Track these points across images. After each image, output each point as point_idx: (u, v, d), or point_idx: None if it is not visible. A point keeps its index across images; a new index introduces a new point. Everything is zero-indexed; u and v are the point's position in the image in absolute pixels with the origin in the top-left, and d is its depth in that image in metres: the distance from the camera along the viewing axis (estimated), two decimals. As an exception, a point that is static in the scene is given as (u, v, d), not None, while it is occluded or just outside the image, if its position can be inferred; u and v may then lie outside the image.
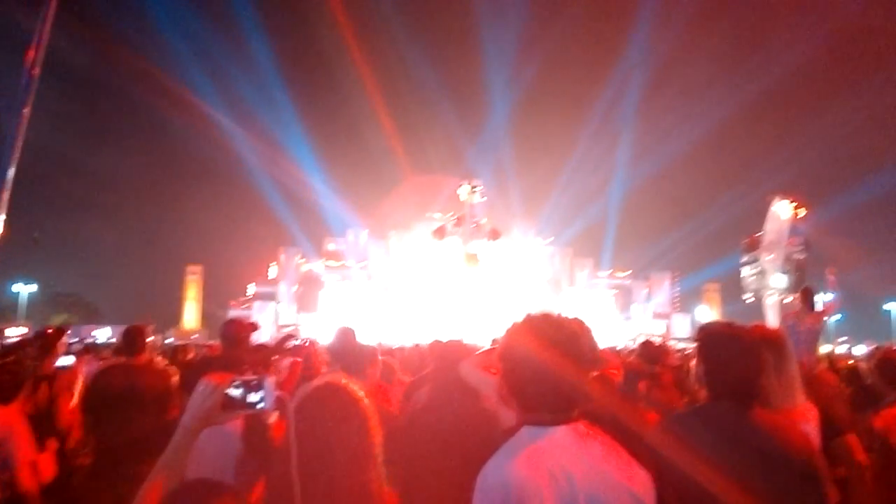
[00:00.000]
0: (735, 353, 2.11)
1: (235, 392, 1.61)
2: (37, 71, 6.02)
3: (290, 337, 4.60)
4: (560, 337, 1.69)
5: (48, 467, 3.57)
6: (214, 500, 1.31)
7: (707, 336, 2.26)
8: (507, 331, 1.79)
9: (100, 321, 46.06)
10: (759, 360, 2.13)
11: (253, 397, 1.61)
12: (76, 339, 21.27)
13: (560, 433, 1.65)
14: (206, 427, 1.64)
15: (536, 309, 1.79)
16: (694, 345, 2.31)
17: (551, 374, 1.65)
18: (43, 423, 3.88)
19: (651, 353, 5.61)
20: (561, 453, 1.61)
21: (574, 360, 1.66)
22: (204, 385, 1.63)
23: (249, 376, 1.65)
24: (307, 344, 5.01)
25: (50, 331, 5.11)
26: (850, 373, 6.00)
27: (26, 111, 5.90)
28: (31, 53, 5.94)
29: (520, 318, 1.78)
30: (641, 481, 1.64)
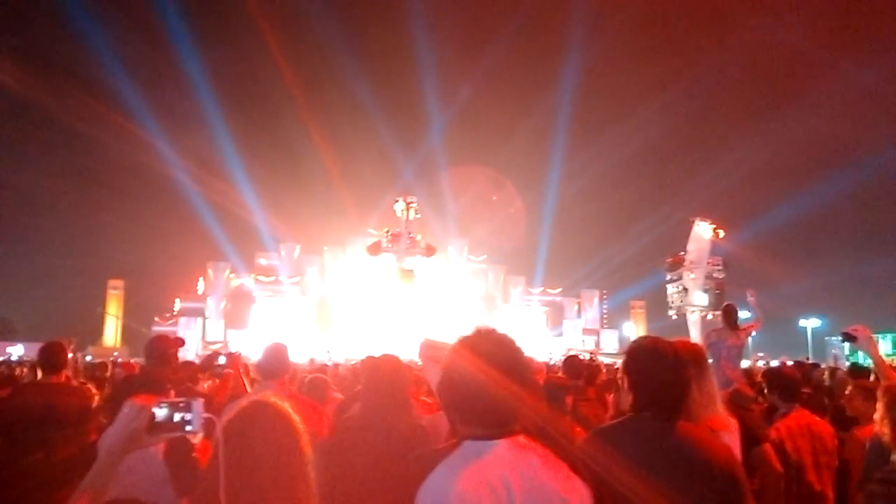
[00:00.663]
0: (659, 367, 2.19)
1: (162, 414, 1.57)
2: None
3: (215, 355, 4.48)
4: (500, 353, 1.72)
5: None
6: None
7: (632, 350, 2.35)
8: (450, 349, 1.80)
9: (13, 337, 43.34)
10: (683, 373, 2.21)
11: (180, 420, 1.57)
12: (-15, 357, 20.00)
13: (500, 447, 1.67)
14: (132, 450, 1.59)
15: (475, 325, 1.82)
16: (621, 360, 2.40)
17: (491, 391, 1.67)
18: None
19: (575, 367, 5.69)
20: (500, 466, 1.63)
21: (514, 376, 1.69)
22: (129, 406, 1.57)
23: (177, 398, 1.61)
24: (235, 357, 4.90)
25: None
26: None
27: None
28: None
29: (460, 335, 1.81)
30: (580, 493, 1.67)
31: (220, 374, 4.74)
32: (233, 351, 5.60)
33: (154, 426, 1.55)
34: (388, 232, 39.34)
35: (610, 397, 5.31)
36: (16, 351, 30.92)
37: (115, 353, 33.22)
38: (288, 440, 2.01)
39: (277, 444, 1.99)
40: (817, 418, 4.03)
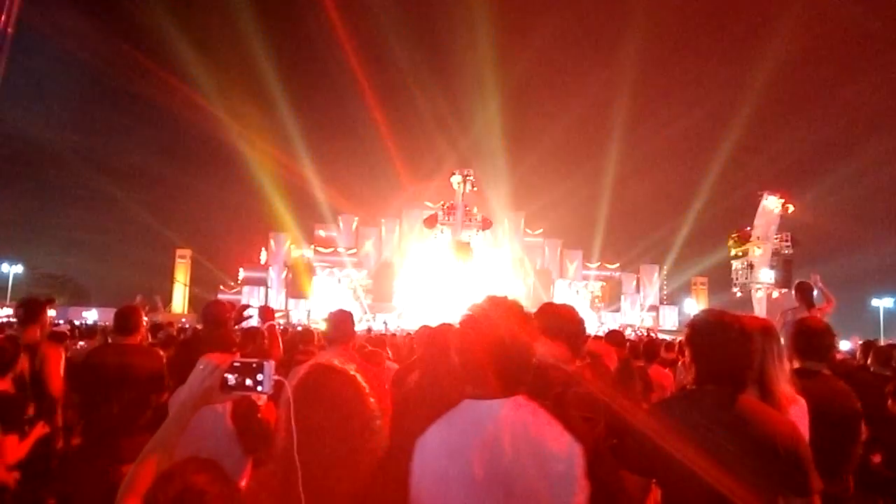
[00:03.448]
0: (723, 339, 2.14)
1: (235, 374, 1.62)
2: (10, 31, 5.94)
3: (245, 308, 4.53)
4: (506, 321, 1.78)
5: (15, 450, 3.56)
6: (202, 476, 1.33)
7: (696, 321, 2.30)
8: (464, 314, 1.88)
9: (87, 303, 45.75)
10: (748, 346, 2.16)
11: (252, 380, 1.61)
12: (62, 321, 21.16)
13: (496, 405, 1.75)
14: (205, 405, 1.65)
15: (492, 292, 1.91)
16: (684, 332, 2.35)
17: (494, 356, 1.75)
18: (18, 402, 3.84)
19: (617, 340, 5.73)
20: (494, 423, 1.71)
21: (517, 342, 1.77)
22: (204, 364, 1.63)
23: (250, 358, 1.65)
24: (268, 310, 4.96)
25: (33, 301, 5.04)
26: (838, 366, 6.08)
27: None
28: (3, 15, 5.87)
29: (478, 301, 1.89)
30: (571, 450, 1.70)
31: (253, 335, 4.82)
32: (266, 305, 5.72)
33: (226, 385, 1.59)
34: (444, 205, 39.40)
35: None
36: (90, 316, 32.62)
37: (183, 320, 34.64)
38: (355, 404, 2.05)
39: (345, 408, 2.03)
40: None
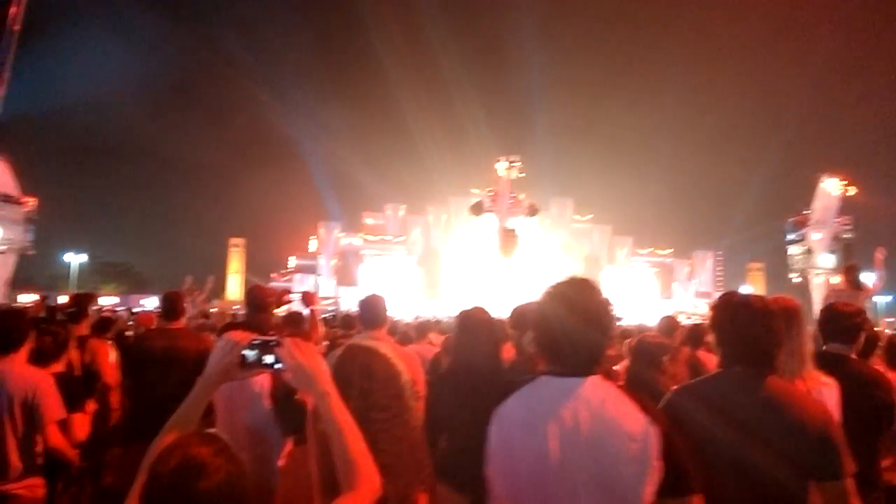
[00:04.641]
0: (748, 319, 2.11)
1: (253, 350, 1.65)
2: (18, 27, 6.16)
3: (286, 293, 4.62)
4: (585, 301, 1.80)
5: (82, 427, 3.72)
6: (204, 449, 1.29)
7: (720, 303, 2.28)
8: (549, 287, 1.91)
9: (148, 290, 47.44)
10: (773, 325, 2.12)
11: (270, 357, 1.65)
12: (124, 308, 21.99)
13: (573, 383, 1.76)
14: (224, 382, 1.69)
15: (569, 274, 1.94)
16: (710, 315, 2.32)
17: (573, 335, 1.77)
18: (77, 383, 4.03)
19: (670, 327, 5.69)
20: (571, 400, 1.73)
21: (596, 323, 1.79)
22: (224, 341, 1.68)
23: (268, 336, 1.68)
24: (312, 296, 5.06)
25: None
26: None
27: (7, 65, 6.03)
28: (14, 9, 6.09)
29: (557, 281, 1.92)
30: (650, 432, 1.69)
31: (296, 320, 4.91)
32: (308, 290, 5.84)
33: (245, 362, 1.63)
34: (490, 191, 39.20)
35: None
36: (150, 303, 33.78)
37: (237, 307, 35.51)
38: (387, 378, 2.08)
39: (377, 382, 2.06)
40: None
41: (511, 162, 37.85)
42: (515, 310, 3.51)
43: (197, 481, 1.25)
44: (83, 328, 4.85)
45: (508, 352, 4.46)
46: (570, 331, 1.78)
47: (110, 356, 4.84)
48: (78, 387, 3.95)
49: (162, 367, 4.13)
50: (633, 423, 1.69)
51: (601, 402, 1.72)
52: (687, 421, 2.05)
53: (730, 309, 2.19)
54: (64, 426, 3.42)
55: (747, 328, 2.11)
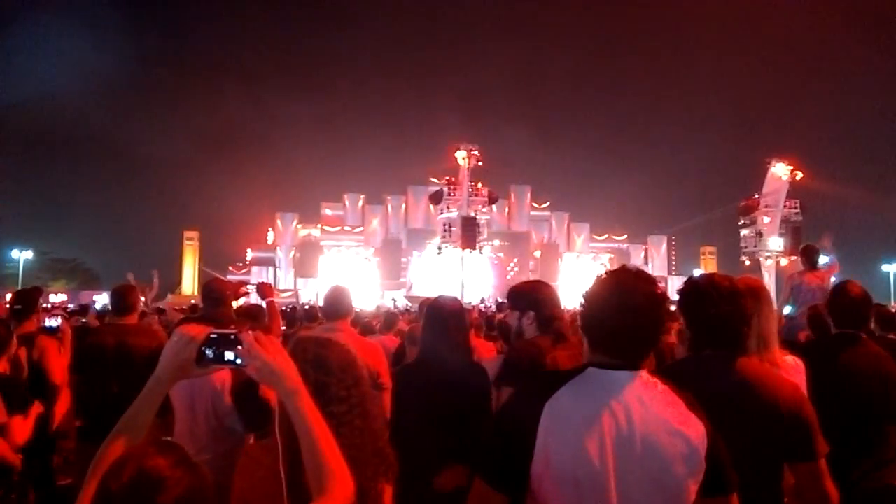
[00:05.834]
0: (715, 299, 2.10)
1: (211, 346, 1.53)
2: None
3: (241, 286, 4.50)
4: (644, 291, 1.74)
5: (22, 431, 3.54)
6: (161, 460, 1.20)
7: (687, 286, 2.27)
8: (596, 277, 1.86)
9: (99, 287, 46.00)
10: (741, 304, 2.12)
11: (230, 353, 1.53)
12: (73, 305, 21.26)
13: (624, 377, 1.71)
14: (178, 381, 1.58)
15: (623, 263, 1.89)
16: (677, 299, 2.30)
17: (628, 322, 1.71)
18: (19, 384, 3.84)
19: None
20: (623, 395, 1.67)
21: (650, 315, 1.73)
22: (178, 336, 1.54)
23: (226, 330, 1.56)
24: (267, 287, 4.94)
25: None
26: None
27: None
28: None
29: (610, 269, 1.90)
30: (698, 431, 1.68)
31: (254, 313, 4.79)
32: (263, 282, 5.70)
33: (203, 358, 1.51)
34: (449, 180, 39.14)
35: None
36: (101, 299, 32.80)
37: (193, 301, 34.75)
38: (347, 374, 2.00)
39: (337, 381, 1.98)
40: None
41: (469, 151, 37.82)
42: (513, 289, 3.43)
43: (154, 496, 1.15)
44: (31, 325, 4.62)
45: (474, 341, 4.41)
46: (623, 322, 1.71)
47: (60, 353, 4.63)
48: (20, 388, 3.75)
49: (113, 366, 3.96)
50: (683, 421, 1.67)
51: (652, 398, 1.69)
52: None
53: (697, 291, 2.18)
54: (3, 430, 3.24)
55: (715, 307, 2.10)
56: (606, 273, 1.85)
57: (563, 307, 3.52)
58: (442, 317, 3.41)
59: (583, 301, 1.83)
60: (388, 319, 7.14)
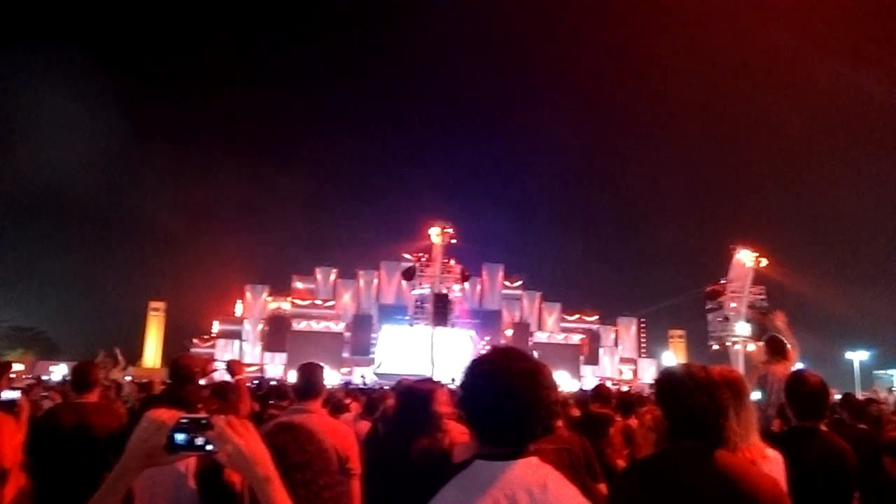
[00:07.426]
0: (693, 390, 2.09)
1: (181, 431, 1.47)
2: None
3: (210, 362, 4.40)
4: (519, 371, 1.68)
5: None
6: None
7: (664, 376, 2.27)
8: (470, 362, 1.78)
9: (58, 357, 44.39)
10: (718, 395, 2.11)
11: (201, 438, 1.48)
12: (30, 376, 20.45)
13: (511, 467, 1.64)
14: (147, 468, 1.51)
15: (494, 344, 1.83)
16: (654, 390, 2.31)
17: (506, 407, 1.64)
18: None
19: (604, 396, 5.73)
20: (509, 486, 1.60)
21: (530, 395, 1.66)
22: (148, 421, 1.48)
23: (198, 414, 1.51)
24: (238, 364, 4.83)
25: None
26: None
27: None
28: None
29: (483, 351, 1.83)
30: None
31: (223, 391, 4.66)
32: (233, 359, 5.58)
33: (174, 444, 1.45)
34: (422, 257, 39.39)
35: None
36: (59, 370, 31.63)
37: (155, 375, 33.66)
38: (319, 462, 1.95)
39: (309, 467, 1.92)
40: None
41: (443, 228, 38.30)
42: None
43: None
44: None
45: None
46: (503, 409, 1.64)
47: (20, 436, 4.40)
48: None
49: (71, 447, 3.78)
50: None
51: (542, 486, 1.61)
52: (640, 502, 2.01)
53: (674, 381, 2.18)
54: None
55: (693, 398, 2.09)
56: (479, 357, 1.79)
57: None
58: (412, 403, 3.36)
59: (459, 391, 1.77)
60: (371, 405, 6.69)
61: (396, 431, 3.35)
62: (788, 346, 7.25)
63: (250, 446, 1.46)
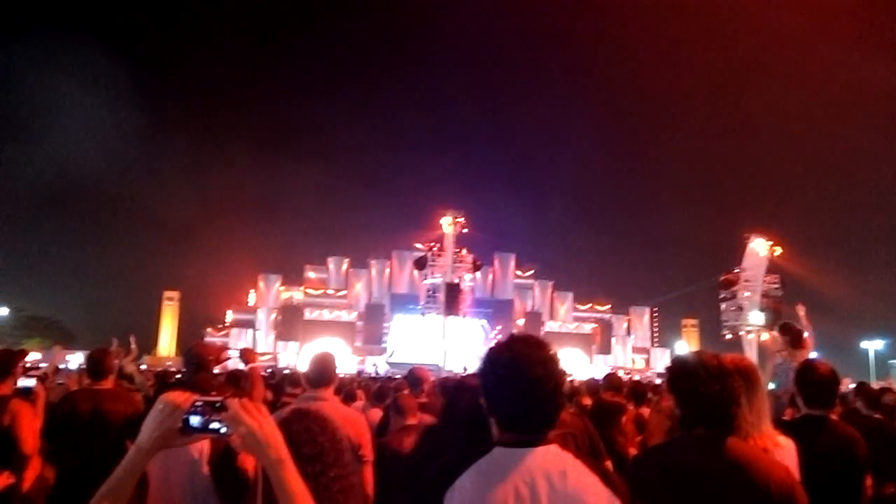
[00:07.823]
0: (705, 377, 2.09)
1: (196, 414, 1.49)
2: None
3: (224, 350, 4.41)
4: (538, 359, 1.69)
5: None
6: None
7: (676, 364, 2.26)
8: (489, 350, 1.80)
9: (74, 346, 44.92)
10: (730, 383, 2.11)
11: (216, 421, 1.49)
12: (47, 364, 20.68)
13: (530, 454, 1.65)
14: (162, 450, 1.53)
15: (511, 332, 1.82)
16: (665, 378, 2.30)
17: (527, 395, 1.65)
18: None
19: (616, 384, 5.71)
20: (529, 473, 1.61)
21: (550, 382, 1.67)
22: (163, 404, 1.49)
23: (212, 397, 1.52)
24: (250, 352, 4.84)
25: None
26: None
27: None
28: None
29: (495, 340, 1.80)
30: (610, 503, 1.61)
31: (236, 378, 4.68)
32: (246, 347, 5.61)
33: (188, 426, 1.47)
34: (434, 246, 39.39)
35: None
36: (75, 359, 31.99)
37: (169, 363, 34.07)
38: (330, 454, 1.95)
39: (319, 459, 1.93)
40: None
41: (455, 217, 38.27)
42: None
43: None
44: (6, 388, 4.46)
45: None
46: (524, 396, 1.65)
47: (34, 420, 4.46)
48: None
49: (87, 432, 3.83)
50: (596, 496, 1.60)
51: (562, 474, 1.62)
52: (653, 488, 2.00)
53: (686, 369, 2.18)
54: None
55: (706, 386, 2.09)
56: (497, 345, 1.79)
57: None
58: (458, 399, 3.25)
59: (480, 379, 1.78)
60: (381, 393, 6.80)
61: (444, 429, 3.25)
62: (805, 334, 7.21)
63: (264, 429, 1.47)
